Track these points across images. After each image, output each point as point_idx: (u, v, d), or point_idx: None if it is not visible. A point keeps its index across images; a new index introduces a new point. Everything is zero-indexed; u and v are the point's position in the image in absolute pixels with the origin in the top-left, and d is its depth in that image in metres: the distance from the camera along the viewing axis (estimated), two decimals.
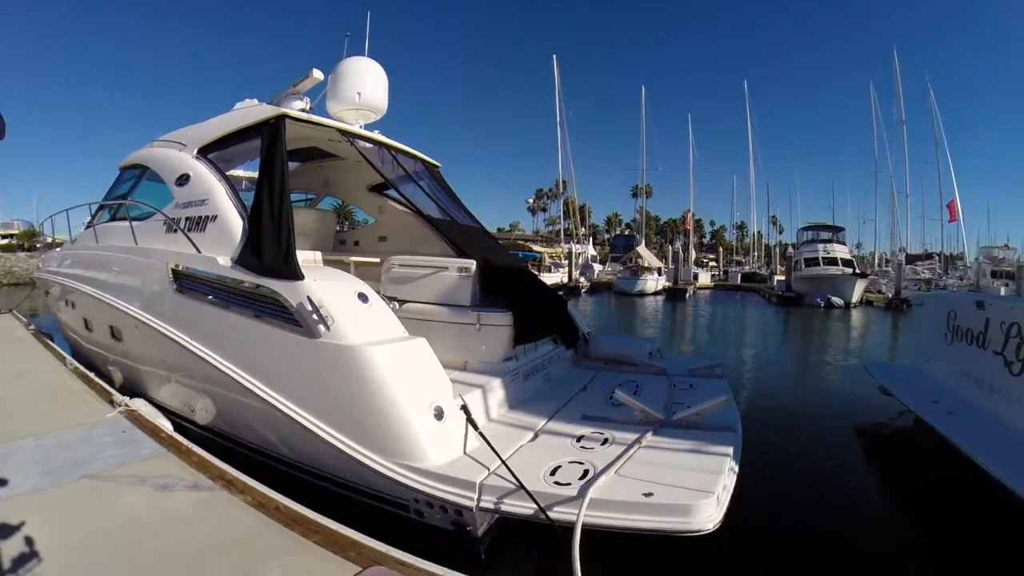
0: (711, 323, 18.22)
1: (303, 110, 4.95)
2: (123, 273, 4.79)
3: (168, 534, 2.33)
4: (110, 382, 4.96)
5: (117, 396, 4.24)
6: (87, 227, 6.36)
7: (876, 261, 40.29)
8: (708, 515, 2.33)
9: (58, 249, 7.73)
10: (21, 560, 2.05)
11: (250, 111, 4.73)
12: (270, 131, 4.24)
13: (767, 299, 27.68)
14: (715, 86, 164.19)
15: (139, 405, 4.11)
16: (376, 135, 5.33)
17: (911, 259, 32.09)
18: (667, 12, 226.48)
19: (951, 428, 3.81)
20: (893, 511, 3.80)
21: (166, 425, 3.86)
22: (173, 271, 4.10)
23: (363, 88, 5.06)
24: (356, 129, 5.13)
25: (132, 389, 4.74)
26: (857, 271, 24.56)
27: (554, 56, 40.16)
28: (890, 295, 23.46)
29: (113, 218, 5.77)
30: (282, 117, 4.28)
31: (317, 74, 5.03)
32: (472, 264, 4.41)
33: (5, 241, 48.82)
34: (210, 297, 3.81)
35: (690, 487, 2.46)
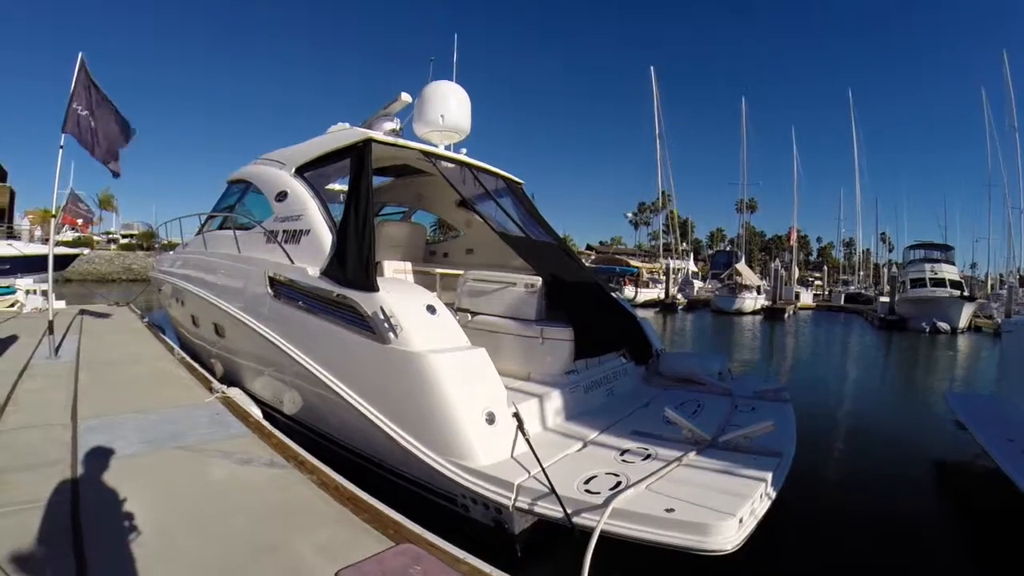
0: (803, 347, 17.36)
1: (394, 130, 5.28)
2: (227, 277, 5.34)
3: (239, 497, 2.72)
4: (212, 372, 5.54)
5: (216, 384, 4.79)
6: (197, 233, 7.07)
7: (990, 283, 36.49)
8: (727, 536, 2.34)
9: (171, 252, 8.56)
10: (122, 505, 2.54)
11: (341, 134, 5.10)
12: (357, 153, 4.60)
13: (870, 322, 26.07)
14: (819, 97, 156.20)
15: (234, 393, 4.61)
16: (459, 155, 5.55)
17: None
18: (768, 21, 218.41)
19: (1017, 467, 3.54)
20: (946, 554, 3.56)
21: (256, 412, 4.33)
22: (270, 278, 4.54)
23: (446, 111, 5.34)
24: (437, 150, 5.39)
25: (231, 379, 5.25)
26: (965, 293, 22.51)
27: (651, 68, 39.33)
28: (1000, 320, 21.23)
29: (220, 227, 6.39)
30: (368, 141, 4.61)
31: (405, 97, 5.36)
32: (538, 280, 4.54)
33: (126, 240, 54.36)
34: (300, 303, 4.21)
35: (713, 507, 2.47)
